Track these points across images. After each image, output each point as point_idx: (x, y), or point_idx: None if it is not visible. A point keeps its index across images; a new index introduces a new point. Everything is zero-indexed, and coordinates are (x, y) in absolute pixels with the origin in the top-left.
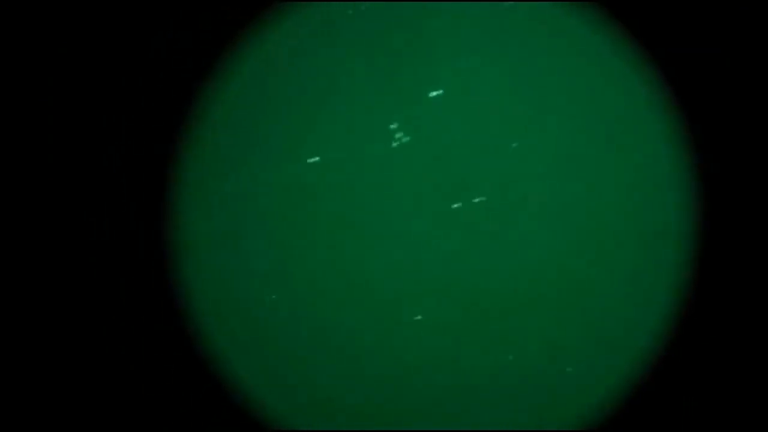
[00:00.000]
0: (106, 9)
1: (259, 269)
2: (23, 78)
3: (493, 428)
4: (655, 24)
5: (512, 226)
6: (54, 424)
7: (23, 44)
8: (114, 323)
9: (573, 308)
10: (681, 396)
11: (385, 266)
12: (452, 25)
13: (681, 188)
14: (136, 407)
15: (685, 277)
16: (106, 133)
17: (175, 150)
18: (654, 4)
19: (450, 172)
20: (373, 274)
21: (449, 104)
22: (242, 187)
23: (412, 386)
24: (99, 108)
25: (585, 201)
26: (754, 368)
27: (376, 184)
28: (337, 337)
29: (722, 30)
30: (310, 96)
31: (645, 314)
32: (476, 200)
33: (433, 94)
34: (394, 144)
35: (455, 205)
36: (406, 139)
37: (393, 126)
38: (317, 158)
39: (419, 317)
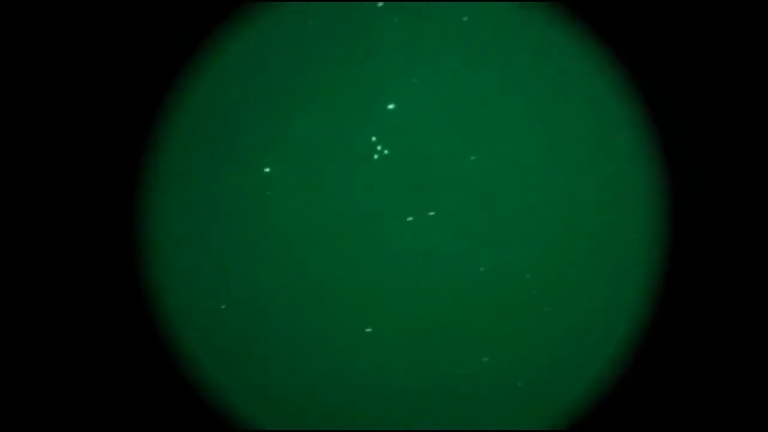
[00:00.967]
0: (75, 9)
1: (229, 270)
2: None
3: (467, 429)
4: (619, 23)
5: (482, 232)
6: (23, 423)
7: None
8: (84, 323)
9: (545, 313)
10: (655, 397)
11: (353, 269)
12: (413, 29)
13: (649, 189)
14: (105, 407)
15: (656, 279)
16: (76, 134)
17: (145, 150)
18: (617, 3)
19: (421, 178)
20: (341, 276)
21: (415, 112)
22: (211, 189)
23: (382, 387)
24: (68, 109)
25: (554, 204)
26: (728, 367)
27: (345, 188)
28: (306, 338)
29: (688, 28)
30: (280, 98)
31: (617, 316)
32: (441, 207)
33: (405, 98)
34: (364, 150)
35: (430, 213)
36: (376, 144)
37: (363, 132)
38: (285, 161)
39: (387, 320)
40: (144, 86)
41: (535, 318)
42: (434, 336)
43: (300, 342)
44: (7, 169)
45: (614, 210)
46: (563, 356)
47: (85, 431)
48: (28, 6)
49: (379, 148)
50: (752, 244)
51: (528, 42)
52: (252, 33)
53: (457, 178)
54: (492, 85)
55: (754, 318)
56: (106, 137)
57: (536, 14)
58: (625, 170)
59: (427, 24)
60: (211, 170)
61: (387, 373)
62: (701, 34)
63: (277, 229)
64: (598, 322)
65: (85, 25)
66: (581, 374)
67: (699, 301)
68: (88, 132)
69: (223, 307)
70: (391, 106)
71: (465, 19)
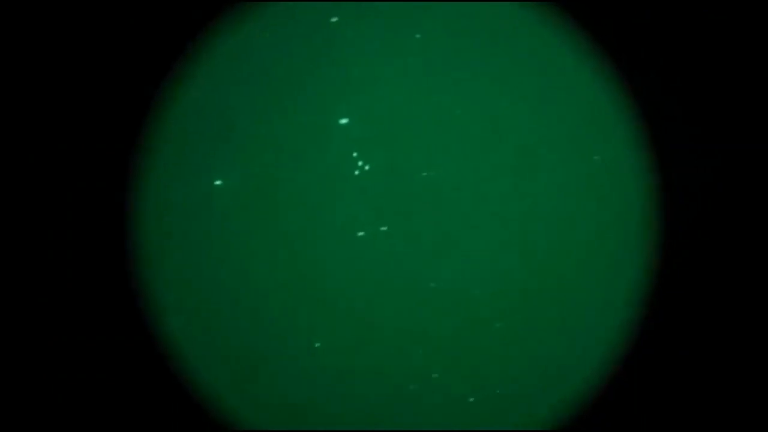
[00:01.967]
0: (63, 7)
1: (219, 271)
2: None
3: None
4: (613, 24)
5: (465, 230)
6: (15, 423)
7: None
8: (74, 325)
9: (532, 313)
10: (646, 398)
11: (343, 271)
12: (400, 28)
13: (643, 191)
14: (95, 406)
15: (648, 282)
16: (63, 134)
17: (135, 151)
18: (612, 4)
19: (406, 176)
20: (332, 278)
21: (405, 112)
22: (201, 190)
23: (369, 388)
24: (56, 108)
25: (544, 201)
26: (721, 366)
27: (332, 191)
28: (295, 338)
29: (682, 30)
30: (271, 98)
31: (607, 320)
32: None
33: (395, 99)
34: (355, 153)
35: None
36: (363, 147)
37: (352, 135)
38: (276, 162)
39: (373, 319)
40: (133, 86)
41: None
42: (428, 336)
43: (291, 343)
44: None
45: (606, 212)
46: (551, 358)
47: (77, 431)
48: (19, 3)
49: (359, 162)
50: (746, 244)
51: (519, 43)
52: (242, 33)
53: (426, 186)
54: (478, 88)
55: (749, 317)
56: (95, 136)
57: (527, 14)
58: (617, 171)
59: (411, 27)
60: (202, 170)
61: (380, 374)
62: (695, 34)
63: (271, 227)
64: (587, 326)
65: (73, 23)
66: (566, 379)
67: (691, 304)
68: (76, 132)
69: (215, 305)
70: (370, 111)
71: (454, 19)
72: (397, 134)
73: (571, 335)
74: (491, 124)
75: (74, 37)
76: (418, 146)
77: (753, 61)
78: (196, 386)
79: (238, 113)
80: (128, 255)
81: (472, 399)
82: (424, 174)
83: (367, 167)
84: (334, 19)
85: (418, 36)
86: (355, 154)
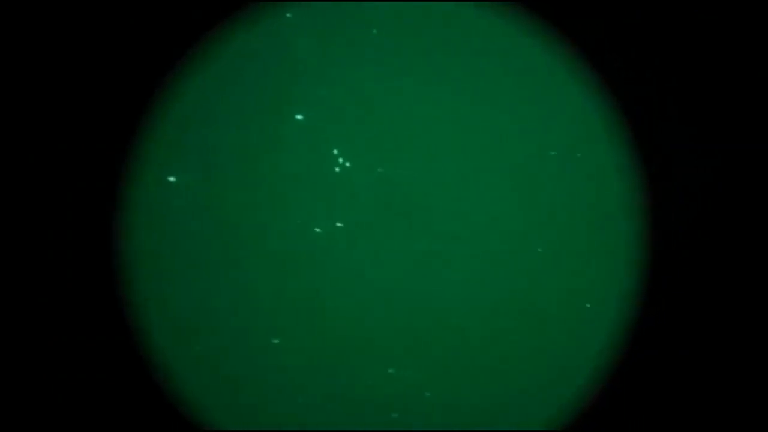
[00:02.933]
0: (72, 5)
1: (201, 277)
2: None
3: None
4: (579, 22)
5: (445, 237)
6: None
7: None
8: (59, 327)
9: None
10: (639, 399)
11: (316, 281)
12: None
13: (623, 188)
14: (74, 407)
15: (636, 282)
16: (59, 136)
17: (129, 155)
18: (577, 2)
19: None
20: (303, 286)
21: (389, 120)
22: (190, 197)
23: (339, 390)
24: (54, 109)
25: (521, 204)
26: (708, 367)
27: (328, 198)
28: (268, 345)
29: (649, 27)
30: (260, 104)
31: (592, 322)
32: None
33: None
34: (350, 159)
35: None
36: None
37: (348, 138)
38: (272, 167)
39: (342, 326)
40: (131, 89)
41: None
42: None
43: (267, 347)
44: None
45: (588, 214)
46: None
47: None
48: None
49: (341, 161)
50: (733, 246)
51: (489, 43)
52: (247, 34)
53: (402, 186)
54: (450, 89)
55: (738, 317)
56: (93, 140)
57: (497, 15)
58: (598, 172)
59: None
60: (194, 173)
61: (349, 377)
62: (671, 34)
63: (254, 234)
64: (578, 328)
65: (74, 22)
66: (560, 381)
67: (680, 307)
68: (75, 133)
69: (196, 311)
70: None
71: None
72: (374, 136)
73: (562, 338)
74: (464, 124)
75: (78, 37)
76: (388, 147)
77: (732, 59)
78: (171, 384)
79: (228, 116)
80: (116, 260)
81: (429, 394)
82: (380, 170)
83: (347, 166)
84: (288, 15)
85: (388, 36)
86: (335, 152)
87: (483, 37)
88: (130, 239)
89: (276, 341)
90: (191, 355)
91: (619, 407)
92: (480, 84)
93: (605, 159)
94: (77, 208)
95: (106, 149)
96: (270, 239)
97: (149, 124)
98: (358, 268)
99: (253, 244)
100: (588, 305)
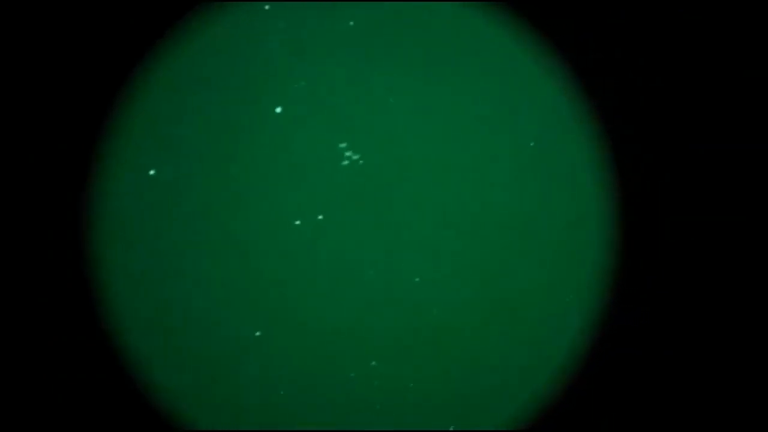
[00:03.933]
0: (34, 4)
1: (174, 272)
2: None
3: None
4: (562, 22)
5: (426, 232)
6: None
7: None
8: (29, 323)
9: (492, 313)
10: (603, 399)
11: (295, 274)
12: (356, 28)
13: (596, 187)
14: (49, 406)
15: (607, 279)
16: (23, 134)
17: (94, 150)
18: (560, 2)
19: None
20: (282, 279)
21: (368, 113)
22: (159, 191)
23: (320, 389)
24: (17, 107)
25: (499, 201)
26: (677, 366)
27: (293, 191)
28: (247, 340)
29: (629, 27)
30: (232, 99)
31: (565, 318)
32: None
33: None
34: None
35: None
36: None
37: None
38: (235, 164)
39: (326, 324)
40: (94, 87)
41: (481, 322)
42: (387, 337)
43: (243, 344)
44: None
45: (562, 213)
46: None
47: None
48: None
49: (348, 154)
50: (704, 245)
51: (469, 42)
52: (208, 33)
53: (383, 180)
54: (431, 86)
55: (707, 316)
56: (56, 138)
57: (478, 14)
58: (572, 172)
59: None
60: (161, 169)
61: (330, 375)
62: (647, 35)
63: (225, 227)
64: (546, 326)
65: (38, 21)
66: (530, 376)
67: (652, 304)
68: (37, 132)
69: (169, 307)
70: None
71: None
72: (349, 128)
73: (530, 335)
74: (439, 119)
75: (39, 36)
76: (363, 141)
77: (709, 58)
78: (146, 383)
79: (193, 113)
80: (85, 255)
81: (412, 385)
82: (356, 163)
83: (324, 159)
84: (266, 7)
85: (370, 32)
86: (313, 145)
87: (462, 35)
88: (101, 235)
89: (257, 334)
90: (168, 353)
91: (588, 404)
92: (457, 80)
93: (580, 156)
94: (46, 204)
95: (75, 144)
96: (247, 233)
97: (118, 119)
98: (335, 261)
99: (229, 238)
100: (562, 300)
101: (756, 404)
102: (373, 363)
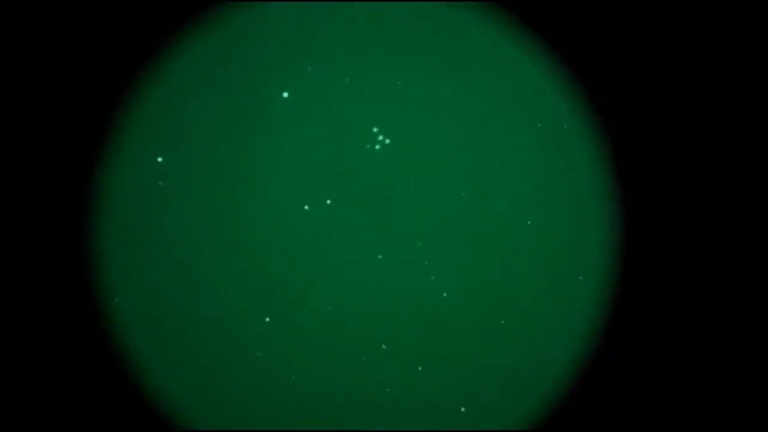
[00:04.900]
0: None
1: (175, 272)
2: None
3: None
4: (558, 22)
5: (425, 235)
6: None
7: None
8: (31, 325)
9: (495, 316)
10: (607, 402)
11: (298, 272)
12: (351, 28)
13: (596, 187)
14: (49, 406)
15: (608, 280)
16: (30, 131)
17: (100, 147)
18: (555, 3)
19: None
20: (285, 280)
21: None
22: (167, 188)
23: (323, 389)
24: (24, 104)
25: (499, 203)
26: (681, 366)
27: (300, 189)
28: (248, 339)
29: (627, 27)
30: (242, 100)
31: (569, 319)
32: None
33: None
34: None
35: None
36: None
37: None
38: (241, 163)
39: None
40: (102, 86)
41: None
42: (395, 338)
43: (243, 343)
44: None
45: (562, 214)
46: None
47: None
48: None
49: (378, 139)
50: (705, 246)
51: (466, 44)
52: (218, 33)
53: (394, 182)
54: (429, 87)
55: (710, 318)
56: (61, 138)
57: (474, 15)
58: (572, 173)
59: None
60: (166, 170)
61: (333, 374)
62: (645, 33)
63: (228, 228)
64: (550, 328)
65: (48, 21)
66: (537, 378)
67: (655, 303)
68: (42, 132)
69: (171, 307)
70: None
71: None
72: (352, 136)
73: (535, 336)
74: (440, 120)
75: (48, 36)
76: (365, 139)
77: (706, 58)
78: (147, 383)
79: (200, 110)
80: (87, 256)
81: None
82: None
83: (327, 154)
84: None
85: (374, 36)
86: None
87: (458, 36)
88: (103, 232)
89: (263, 328)
90: (169, 352)
91: (593, 405)
92: (453, 82)
93: (580, 157)
94: (49, 201)
95: (82, 141)
96: (252, 231)
97: (127, 117)
98: (343, 260)
99: (233, 237)
100: (566, 301)
101: (758, 404)
102: (380, 363)
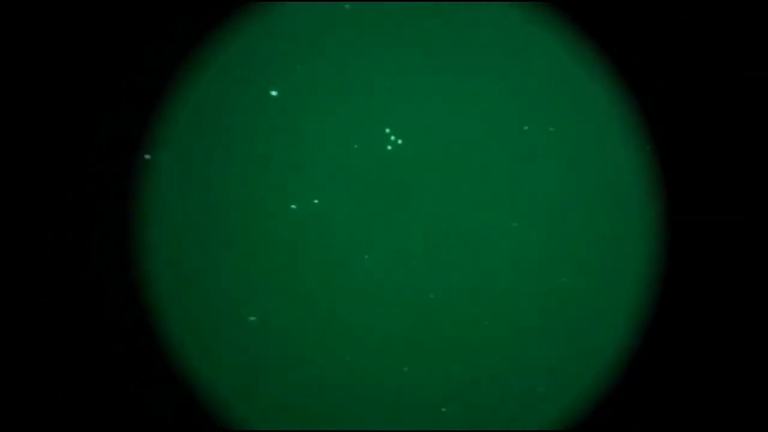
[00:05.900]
0: (74, 5)
1: (225, 270)
2: None
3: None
4: (609, 22)
5: (471, 231)
6: (17, 420)
7: None
8: (79, 322)
9: (537, 314)
10: (650, 399)
11: (346, 274)
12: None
13: (643, 190)
14: (99, 406)
15: (652, 284)
16: (73, 133)
17: (142, 150)
18: (606, 2)
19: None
20: (335, 279)
21: (413, 115)
22: (209, 191)
23: (372, 390)
24: (66, 108)
25: (549, 203)
26: (723, 369)
27: (344, 191)
28: (298, 340)
29: (679, 28)
30: (282, 99)
31: (612, 318)
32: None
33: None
34: (365, 148)
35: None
36: (383, 145)
37: (365, 130)
38: (285, 164)
39: (378, 322)
40: (141, 86)
41: (527, 321)
42: (433, 337)
43: (292, 344)
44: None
45: (608, 213)
46: (560, 361)
47: (78, 430)
48: (26, 3)
49: (392, 141)
50: (749, 245)
51: (517, 43)
52: (252, 32)
53: (435, 179)
54: (477, 86)
55: (753, 319)
56: (105, 138)
57: (524, 14)
58: (619, 173)
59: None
60: (211, 169)
61: (383, 375)
62: (694, 32)
63: (276, 227)
64: (591, 327)
65: (81, 22)
66: (579, 376)
67: (696, 306)
68: (86, 131)
69: (221, 307)
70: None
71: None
72: (396, 135)
73: (572, 337)
74: (476, 117)
75: (82, 36)
76: (394, 137)
77: (754, 60)
78: (195, 383)
79: (235, 113)
80: (133, 256)
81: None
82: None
83: (352, 152)
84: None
85: (416, 34)
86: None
87: (504, 35)
88: (147, 231)
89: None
90: (216, 351)
91: (631, 406)
92: (498, 81)
93: (625, 158)
94: (94, 200)
95: (122, 140)
96: (291, 230)
97: (165, 115)
98: (374, 261)
99: (268, 236)
100: (605, 302)
101: None
102: (418, 365)
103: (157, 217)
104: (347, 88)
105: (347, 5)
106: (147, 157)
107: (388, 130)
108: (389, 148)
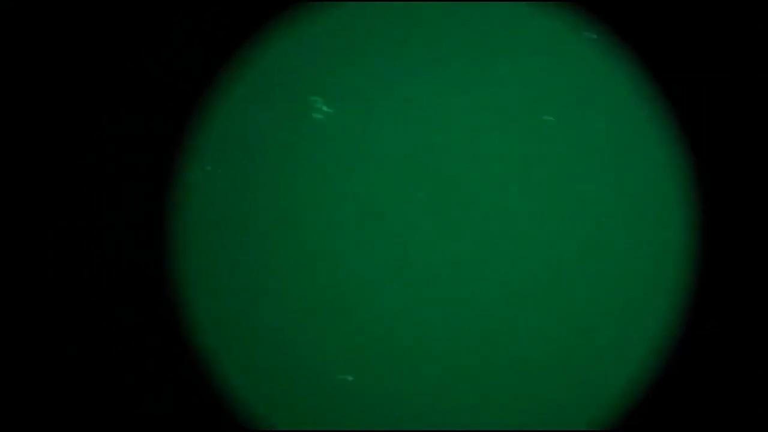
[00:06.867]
0: (121, 8)
1: (254, 273)
2: (25, 79)
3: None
4: (638, 22)
5: (511, 232)
6: (49, 422)
7: (27, 44)
8: (111, 323)
9: (576, 314)
10: (685, 400)
11: (376, 274)
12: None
13: (673, 187)
14: (128, 405)
15: (686, 283)
16: (113, 134)
17: (181, 152)
18: (635, 2)
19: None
20: (366, 283)
21: (443, 118)
22: (245, 192)
23: (402, 389)
24: (107, 108)
25: (580, 205)
26: (757, 371)
27: (382, 192)
28: (324, 341)
29: (708, 27)
30: (324, 98)
31: (647, 320)
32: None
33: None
34: (405, 149)
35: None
36: (414, 142)
37: (407, 130)
38: (322, 163)
39: (409, 322)
40: (185, 86)
41: (567, 320)
42: (467, 334)
43: (319, 345)
44: (43, 169)
45: (640, 214)
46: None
47: (107, 430)
48: (73, 5)
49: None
50: None
51: (545, 42)
52: (299, 33)
53: (469, 182)
54: (509, 87)
55: None
56: (144, 138)
57: (553, 14)
58: (650, 172)
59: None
60: (248, 170)
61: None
62: (721, 32)
63: (308, 230)
64: (631, 326)
65: (126, 25)
66: (615, 376)
67: (731, 302)
68: (126, 132)
69: (250, 309)
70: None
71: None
72: (431, 140)
73: (612, 339)
74: (509, 122)
75: (128, 40)
76: (430, 145)
77: None
78: (222, 384)
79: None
80: (167, 260)
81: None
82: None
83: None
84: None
85: (452, 41)
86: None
87: (537, 36)
88: (182, 232)
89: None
90: (249, 356)
91: (671, 407)
92: (532, 83)
93: (659, 159)
94: (131, 201)
95: (163, 140)
96: (333, 235)
97: (207, 116)
98: (427, 267)
99: (312, 240)
100: (644, 304)
101: None
102: (463, 368)
103: (194, 222)
104: (392, 92)
105: (388, 5)
106: (208, 168)
107: (437, 137)
108: (437, 160)
